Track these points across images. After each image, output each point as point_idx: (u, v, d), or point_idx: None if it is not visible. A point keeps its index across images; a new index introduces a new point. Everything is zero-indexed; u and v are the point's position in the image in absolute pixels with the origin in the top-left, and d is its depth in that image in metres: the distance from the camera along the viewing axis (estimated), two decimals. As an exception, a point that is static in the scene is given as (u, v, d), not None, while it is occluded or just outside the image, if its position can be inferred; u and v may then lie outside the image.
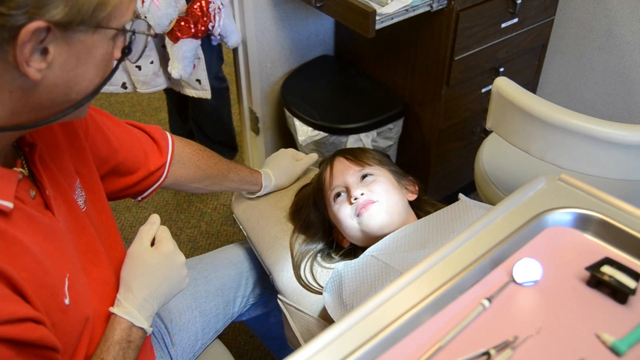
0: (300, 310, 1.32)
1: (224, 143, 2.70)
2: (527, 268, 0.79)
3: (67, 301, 0.82)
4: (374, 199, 1.26)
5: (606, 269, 0.77)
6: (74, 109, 0.76)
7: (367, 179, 1.31)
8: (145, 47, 0.80)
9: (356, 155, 1.37)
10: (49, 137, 0.91)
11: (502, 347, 0.70)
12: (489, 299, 0.76)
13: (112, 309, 0.95)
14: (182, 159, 1.28)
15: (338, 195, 1.32)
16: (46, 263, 0.79)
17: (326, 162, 1.42)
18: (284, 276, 1.37)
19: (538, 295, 0.78)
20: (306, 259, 1.38)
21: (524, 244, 0.84)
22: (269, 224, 1.47)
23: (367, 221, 1.25)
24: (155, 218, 1.06)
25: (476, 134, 2.32)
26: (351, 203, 1.28)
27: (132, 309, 0.95)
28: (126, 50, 0.77)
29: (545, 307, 0.76)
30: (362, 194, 1.27)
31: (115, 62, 0.78)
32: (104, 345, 0.91)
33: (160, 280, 0.99)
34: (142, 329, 0.96)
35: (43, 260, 0.79)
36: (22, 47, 0.66)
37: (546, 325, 0.73)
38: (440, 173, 2.33)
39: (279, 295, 1.37)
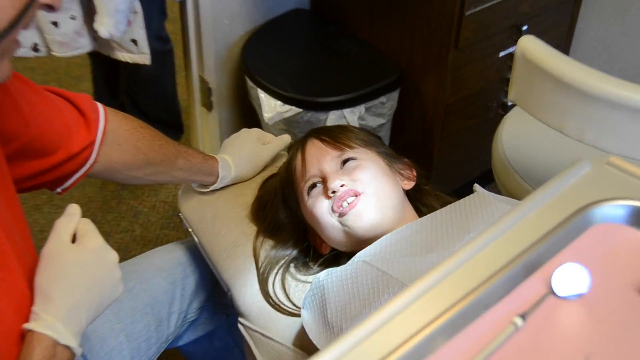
0: (269, 337, 1.32)
1: (167, 122, 2.71)
2: (569, 276, 0.79)
3: None
4: (358, 189, 1.27)
5: (672, 277, 0.77)
6: None
7: (349, 164, 1.32)
8: None
9: (334, 136, 1.38)
10: None
11: (541, 380, 0.70)
12: (522, 317, 0.76)
13: (27, 326, 0.93)
14: (118, 138, 1.27)
15: (313, 186, 1.33)
16: None
17: (297, 145, 1.43)
18: (247, 293, 1.37)
19: (585, 311, 0.78)
20: (275, 271, 1.39)
21: (565, 246, 0.84)
22: (228, 226, 1.47)
23: (354, 221, 1.26)
24: (73, 209, 1.05)
25: (493, 109, 2.34)
26: (329, 197, 1.28)
27: (54, 321, 0.93)
28: None
29: (594, 327, 0.77)
30: (342, 185, 1.28)
31: None
32: None
33: (88, 284, 0.98)
34: (69, 347, 0.94)
35: None
36: None
37: (596, 349, 0.74)
38: (447, 160, 2.35)
39: (240, 319, 1.37)
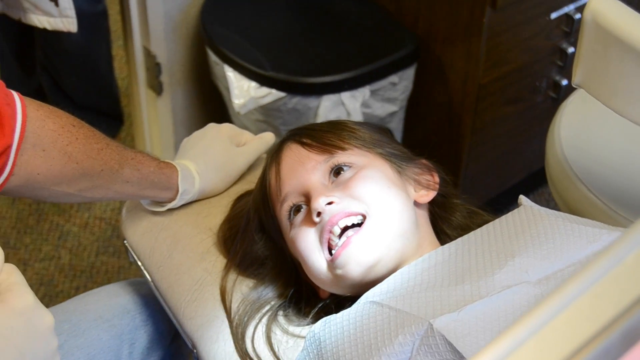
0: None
1: (100, 109, 2.75)
2: (690, 346, 0.76)
3: None
4: (352, 209, 1.26)
5: None
6: None
7: (343, 175, 1.33)
8: None
9: (320, 136, 1.39)
10: None
11: None
12: (625, 409, 0.73)
13: None
14: (42, 141, 1.25)
15: (298, 210, 1.34)
16: None
17: (271, 153, 1.46)
18: (219, 351, 1.38)
19: None
20: (257, 320, 1.39)
21: None
22: (191, 258, 1.49)
23: (346, 262, 1.25)
24: None
25: (542, 91, 2.38)
26: (314, 222, 1.29)
27: None
28: None
29: None
30: (329, 203, 1.27)
31: None
32: None
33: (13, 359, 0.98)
34: None
35: None
36: None
37: None
38: (480, 160, 2.39)
39: None
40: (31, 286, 2.51)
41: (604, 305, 0.79)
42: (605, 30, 1.47)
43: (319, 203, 1.26)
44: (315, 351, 1.21)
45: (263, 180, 1.43)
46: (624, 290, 0.80)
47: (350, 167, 1.33)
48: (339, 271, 1.26)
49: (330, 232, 1.26)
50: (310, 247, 1.29)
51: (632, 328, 0.79)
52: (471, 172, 2.37)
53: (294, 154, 1.38)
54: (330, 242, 1.26)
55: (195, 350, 1.39)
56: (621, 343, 0.78)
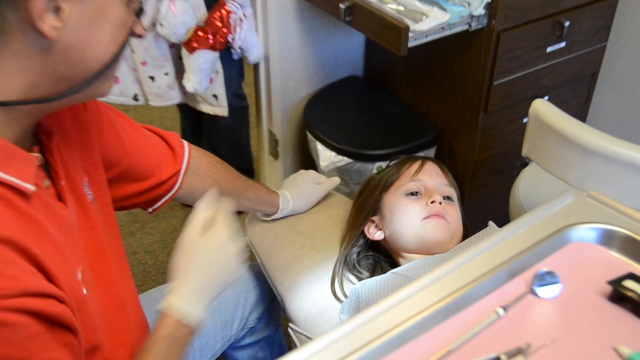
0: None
1: (240, 167, 2.64)
2: (546, 280, 0.86)
3: (84, 291, 0.89)
4: (446, 218, 1.35)
5: (629, 284, 0.84)
6: (94, 78, 0.84)
7: (448, 200, 1.40)
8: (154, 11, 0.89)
9: (446, 172, 1.47)
10: (61, 130, 0.99)
11: (514, 354, 0.77)
12: (504, 308, 0.83)
13: (159, 307, 0.99)
14: (198, 170, 1.33)
15: (414, 193, 1.39)
16: (64, 251, 0.87)
17: (415, 158, 1.50)
18: (296, 303, 1.43)
19: (556, 308, 0.85)
20: (340, 275, 1.45)
21: (544, 257, 0.91)
22: (283, 249, 1.53)
23: (432, 229, 1.33)
24: (209, 199, 1.08)
25: (516, 168, 2.35)
26: (427, 205, 1.35)
27: (180, 303, 0.99)
28: (139, 11, 0.85)
29: (562, 319, 0.83)
30: (440, 203, 1.35)
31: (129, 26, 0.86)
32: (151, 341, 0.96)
33: (213, 270, 1.03)
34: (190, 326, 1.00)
35: (61, 248, 0.86)
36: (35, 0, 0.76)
37: (562, 336, 0.80)
38: (475, 209, 2.36)
39: (290, 324, 1.42)
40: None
41: (500, 255, 0.90)
42: (541, 121, 1.51)
43: (438, 198, 1.35)
44: (355, 299, 1.28)
45: (403, 164, 1.45)
46: (512, 249, 0.91)
47: (452, 200, 1.40)
48: (426, 230, 1.32)
49: (434, 207, 1.33)
50: (414, 214, 1.34)
51: (515, 268, 0.90)
52: (468, 218, 2.18)
53: (434, 169, 1.43)
54: (431, 211, 1.32)
55: (282, 303, 1.45)
56: (508, 275, 0.89)
